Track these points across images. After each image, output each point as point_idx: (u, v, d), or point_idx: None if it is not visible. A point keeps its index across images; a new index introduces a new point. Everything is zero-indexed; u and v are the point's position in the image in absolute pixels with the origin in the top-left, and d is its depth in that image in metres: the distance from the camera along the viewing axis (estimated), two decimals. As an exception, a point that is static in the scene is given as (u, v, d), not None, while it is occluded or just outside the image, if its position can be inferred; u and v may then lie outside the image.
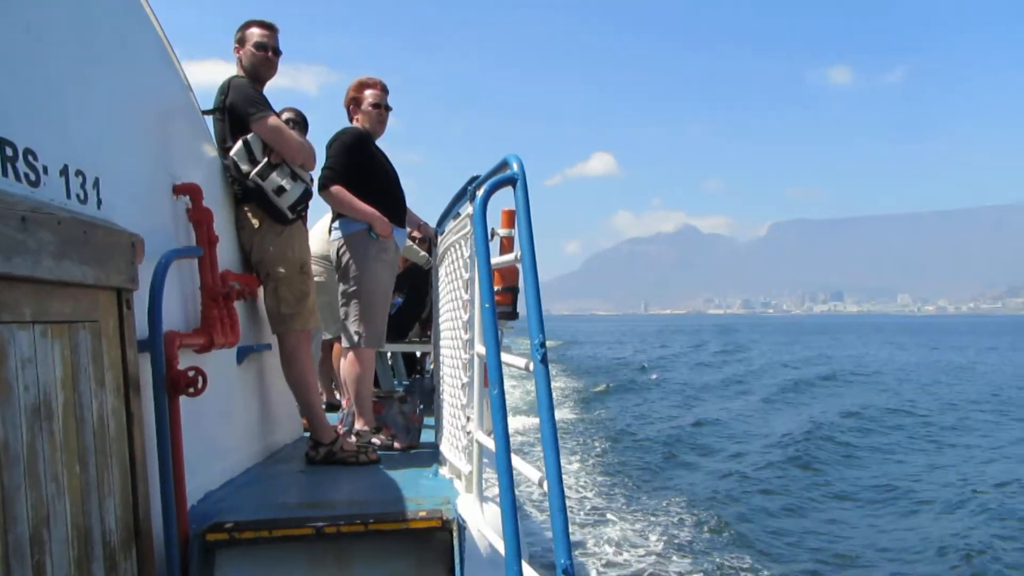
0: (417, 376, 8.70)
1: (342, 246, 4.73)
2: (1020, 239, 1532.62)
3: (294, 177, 4.13)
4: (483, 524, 3.23)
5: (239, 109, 4.07)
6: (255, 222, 4.16)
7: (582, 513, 13.27)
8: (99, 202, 2.53)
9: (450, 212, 4.60)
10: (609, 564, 10.31)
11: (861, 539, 11.78)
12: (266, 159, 4.07)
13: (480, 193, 2.80)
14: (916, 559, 10.65)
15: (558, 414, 25.24)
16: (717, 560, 10.66)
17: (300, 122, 5.53)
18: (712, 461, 18.76)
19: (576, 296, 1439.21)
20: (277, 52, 4.34)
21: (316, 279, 6.05)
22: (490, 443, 2.90)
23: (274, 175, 4.06)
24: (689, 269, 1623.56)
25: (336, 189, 4.63)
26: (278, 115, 4.24)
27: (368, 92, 4.97)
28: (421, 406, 5.34)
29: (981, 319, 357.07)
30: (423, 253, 6.24)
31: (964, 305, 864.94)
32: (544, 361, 2.44)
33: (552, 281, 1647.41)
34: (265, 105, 4.13)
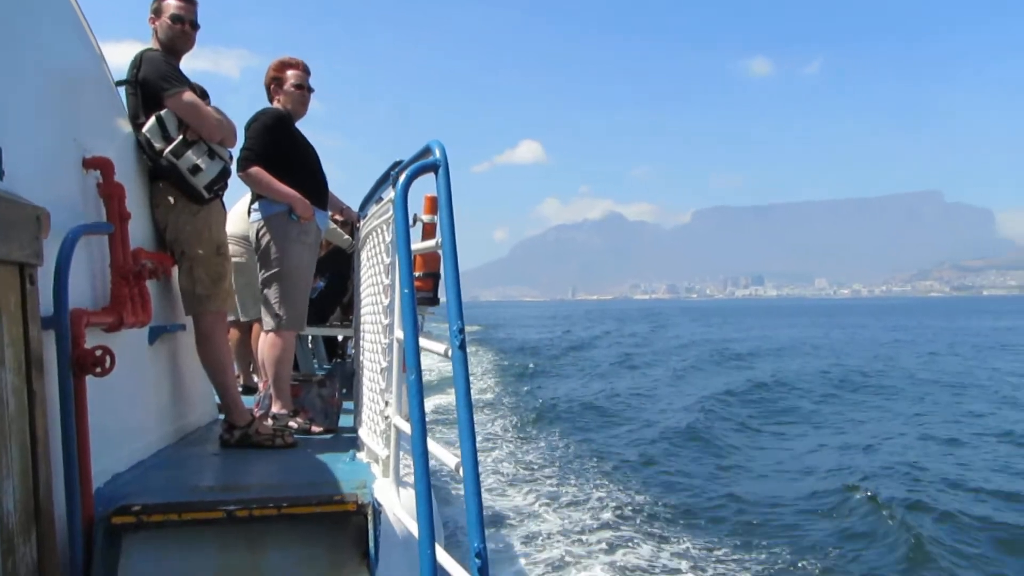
0: (339, 360, 8.62)
1: (262, 227, 4.65)
2: (929, 226, 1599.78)
3: (211, 155, 4.00)
4: (399, 508, 3.23)
5: (152, 84, 3.92)
6: (170, 200, 4.02)
7: (502, 494, 13.13)
8: (1, 173, 2.43)
9: (372, 196, 4.56)
10: (528, 542, 10.34)
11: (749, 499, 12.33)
12: (181, 136, 3.92)
13: (402, 178, 2.79)
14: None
15: (484, 393, 25.75)
16: (628, 534, 10.89)
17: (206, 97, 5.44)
18: (627, 432, 19.11)
19: (504, 283, 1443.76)
20: (195, 25, 4.18)
21: (236, 260, 5.92)
22: (408, 428, 2.91)
23: (189, 153, 3.92)
24: (615, 255, 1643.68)
25: (255, 170, 4.55)
26: (194, 90, 4.09)
27: (291, 72, 4.90)
28: (344, 390, 5.30)
29: (890, 301, 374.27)
30: (347, 236, 6.18)
31: (877, 288, 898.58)
32: (463, 347, 2.45)
33: (480, 268, 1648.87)
34: (180, 80, 3.98)
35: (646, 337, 61.23)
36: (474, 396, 26.21)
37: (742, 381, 26.87)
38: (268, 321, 4.67)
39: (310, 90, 4.98)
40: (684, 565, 9.71)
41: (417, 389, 2.54)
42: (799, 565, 9.45)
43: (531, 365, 37.76)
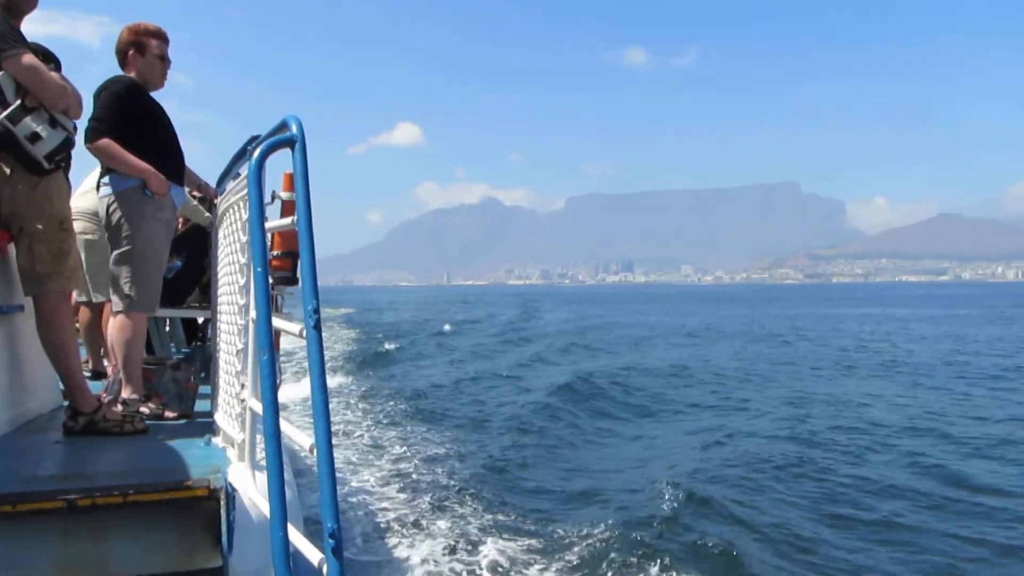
0: (198, 344, 8.30)
1: (112, 203, 4.39)
2: (786, 215, 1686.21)
3: (53, 124, 3.69)
4: (255, 492, 3.15)
5: (-13, 44, 3.57)
6: (6, 170, 3.72)
7: (360, 475, 13.07)
8: None
9: (230, 172, 4.40)
10: (387, 530, 10.37)
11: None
12: (20, 102, 3.61)
13: (256, 153, 2.72)
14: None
15: (347, 377, 25.53)
16: (471, 516, 11.10)
17: (54, 61, 5.11)
18: (488, 416, 19.49)
19: (379, 267, 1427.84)
20: None
21: (86, 237, 5.59)
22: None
23: (28, 120, 3.61)
24: (491, 241, 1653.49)
25: (105, 142, 4.27)
26: (36, 54, 3.77)
27: (154, 42, 4.61)
28: (203, 373, 5.11)
29: (750, 287, 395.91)
30: (207, 214, 5.94)
31: (738, 275, 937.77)
32: (317, 327, 2.42)
33: (355, 252, 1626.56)
34: (19, 41, 3.65)
35: (512, 323, 62.93)
36: (336, 380, 25.68)
37: (592, 369, 27.57)
38: (118, 302, 4.43)
39: (169, 62, 4.73)
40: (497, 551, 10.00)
41: (270, 370, 2.50)
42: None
43: (392, 347, 38.08)
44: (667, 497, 12.22)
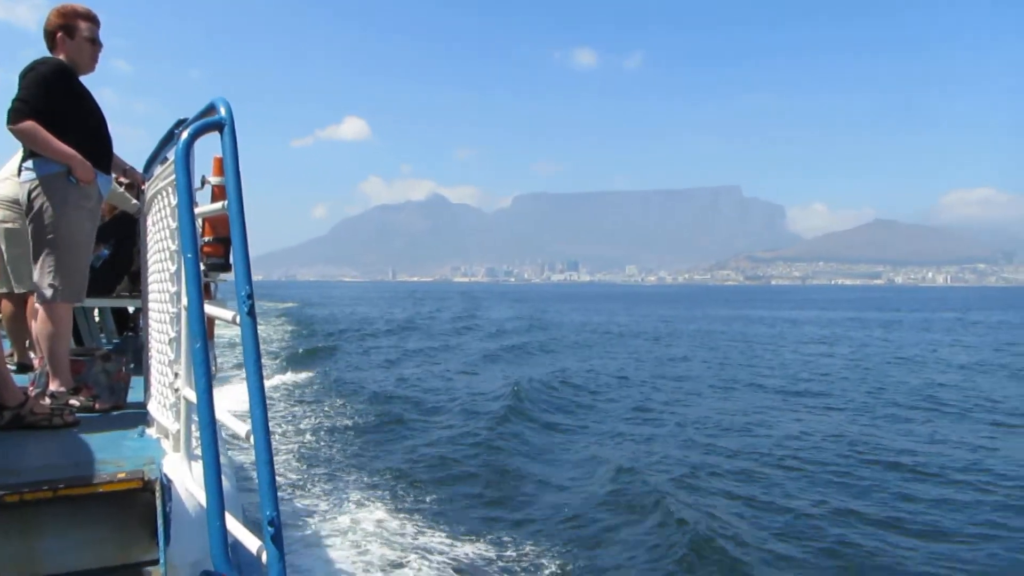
0: (130, 333, 8.11)
1: (35, 189, 4.24)
2: (727, 218, 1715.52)
3: None
4: (191, 482, 3.09)
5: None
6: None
7: (297, 468, 13.24)
8: None
9: (157, 156, 4.32)
10: (323, 520, 10.44)
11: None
12: None
13: (183, 137, 2.68)
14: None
15: (284, 375, 25.26)
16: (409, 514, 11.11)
17: None
18: (428, 419, 19.34)
19: (323, 262, 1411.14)
20: None
21: (6, 226, 5.39)
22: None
23: None
24: (437, 238, 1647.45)
25: (29, 125, 4.12)
26: None
27: (85, 25, 4.47)
28: (132, 364, 5.00)
29: (691, 288, 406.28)
30: (135, 201, 5.79)
31: (680, 276, 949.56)
32: (251, 313, 2.39)
33: (299, 246, 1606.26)
34: None
35: (459, 320, 63.47)
36: (275, 379, 25.34)
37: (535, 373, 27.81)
38: (42, 293, 4.29)
39: (100, 45, 4.59)
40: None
41: (203, 357, 2.47)
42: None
43: (330, 344, 38.05)
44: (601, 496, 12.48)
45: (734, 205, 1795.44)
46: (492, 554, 9.55)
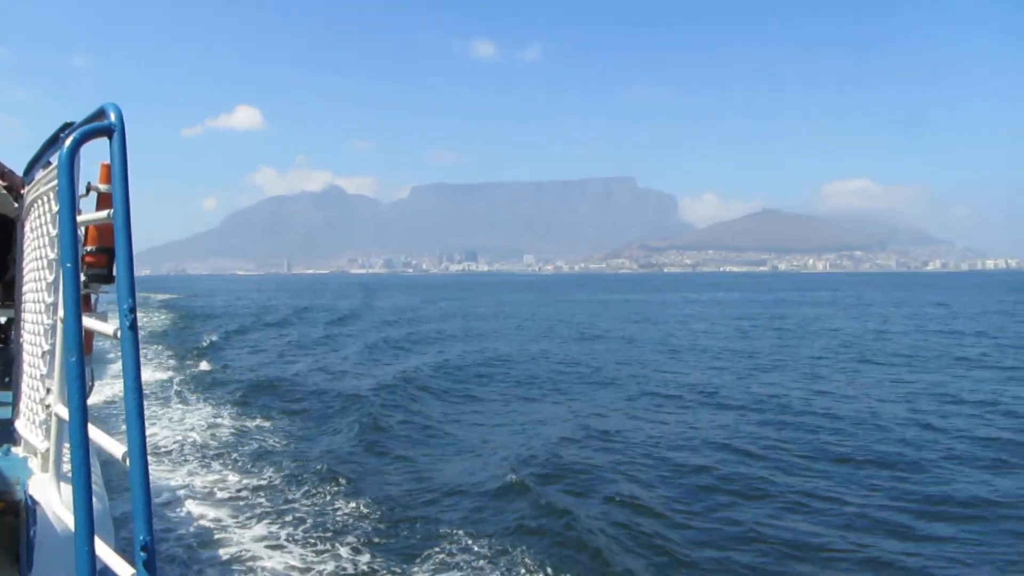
0: (0, 346, 7.64)
1: None
2: (621, 208, 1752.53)
3: None
4: (59, 505, 2.93)
5: None
6: None
7: (182, 480, 12.89)
8: None
9: (39, 160, 4.06)
10: (207, 540, 10.14)
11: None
12: None
13: (68, 142, 2.56)
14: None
15: (165, 373, 24.60)
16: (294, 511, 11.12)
17: None
18: (318, 406, 19.96)
19: (215, 255, 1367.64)
20: None
21: None
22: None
23: None
24: (334, 229, 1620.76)
25: None
26: None
27: None
28: (6, 378, 4.72)
29: (585, 276, 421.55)
30: (16, 204, 5.46)
31: (577, 265, 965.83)
32: (133, 327, 2.30)
33: (189, 239, 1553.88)
34: None
35: (352, 312, 63.59)
36: (155, 375, 24.72)
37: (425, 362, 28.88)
38: (-97, 300, 3.99)
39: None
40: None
41: (78, 372, 2.34)
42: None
43: (216, 338, 37.32)
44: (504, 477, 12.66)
45: (628, 195, 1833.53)
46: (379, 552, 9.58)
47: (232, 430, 16.98)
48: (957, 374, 25.46)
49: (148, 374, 23.92)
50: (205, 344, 35.18)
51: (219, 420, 17.97)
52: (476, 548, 9.57)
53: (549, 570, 8.93)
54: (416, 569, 9.05)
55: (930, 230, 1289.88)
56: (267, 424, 17.72)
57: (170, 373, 25.61)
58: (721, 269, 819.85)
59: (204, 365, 27.29)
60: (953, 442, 15.64)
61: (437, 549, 9.60)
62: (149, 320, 46.91)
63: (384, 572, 8.99)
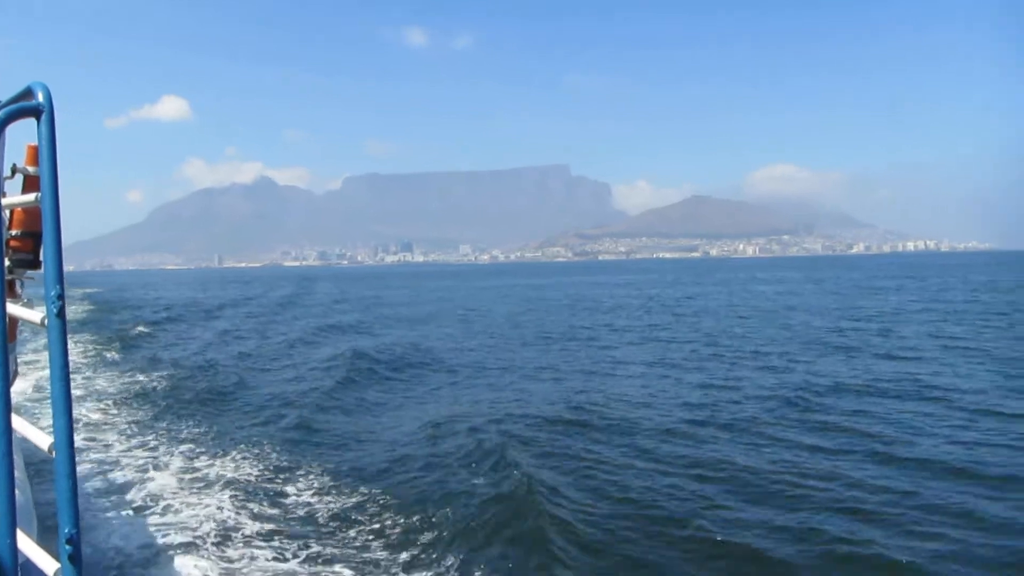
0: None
1: None
2: (556, 197, 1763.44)
3: None
4: None
5: None
6: None
7: (113, 472, 12.66)
8: None
9: (-37, 141, 3.89)
10: (141, 532, 9.97)
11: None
12: None
13: None
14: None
15: (94, 372, 24.06)
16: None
17: None
18: (258, 395, 19.83)
19: (142, 250, 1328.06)
20: None
21: None
22: None
23: None
24: (266, 221, 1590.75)
25: None
26: None
27: None
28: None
29: (522, 265, 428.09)
30: None
31: (513, 254, 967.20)
32: (61, 315, 2.26)
33: (114, 234, 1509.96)
34: None
35: (282, 304, 63.06)
36: (85, 372, 24.33)
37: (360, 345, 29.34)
38: None
39: None
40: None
41: (1, 360, 2.29)
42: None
43: (145, 330, 37.01)
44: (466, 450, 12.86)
45: (562, 184, 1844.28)
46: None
47: (163, 420, 16.73)
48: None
49: (74, 360, 23.45)
50: (132, 334, 34.80)
51: (148, 410, 17.70)
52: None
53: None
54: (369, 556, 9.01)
55: (855, 213, 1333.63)
56: (199, 411, 17.54)
57: (94, 363, 25.05)
58: (654, 256, 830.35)
59: (133, 359, 26.69)
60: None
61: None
62: (72, 311, 45.88)
63: (330, 560, 8.92)
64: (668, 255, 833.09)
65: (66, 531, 2.09)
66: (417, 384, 21.33)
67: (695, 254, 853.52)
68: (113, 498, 11.27)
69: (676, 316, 43.77)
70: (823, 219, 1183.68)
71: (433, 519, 10.00)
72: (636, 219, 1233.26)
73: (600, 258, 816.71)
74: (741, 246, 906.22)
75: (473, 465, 12.40)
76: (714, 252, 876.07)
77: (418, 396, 19.45)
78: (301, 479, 12.31)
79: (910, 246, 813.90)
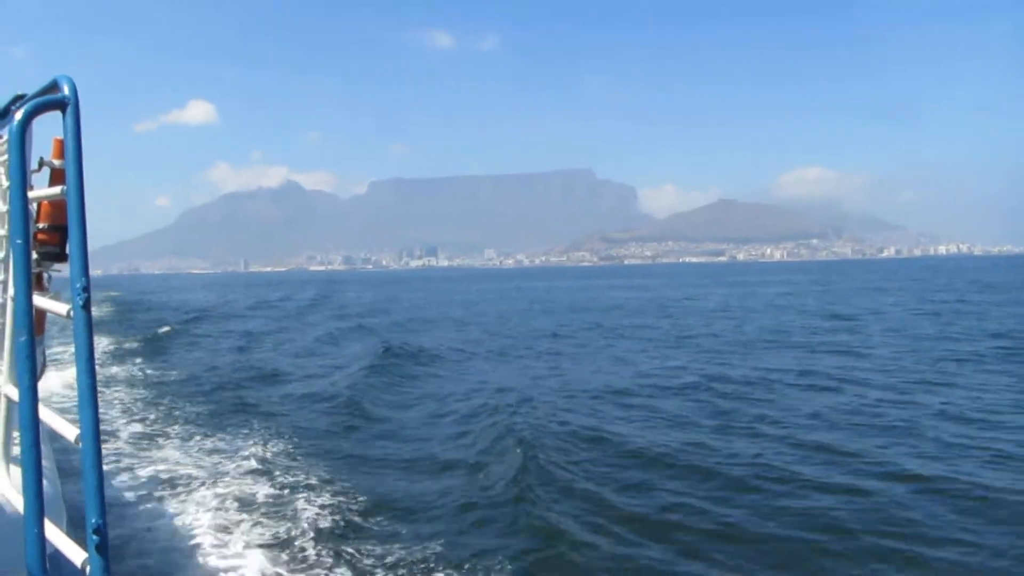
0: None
1: None
2: (581, 200, 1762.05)
3: None
4: (8, 488, 2.89)
5: None
6: None
7: (139, 470, 12.58)
8: None
9: (-11, 133, 3.95)
10: (167, 527, 9.94)
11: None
12: None
13: (19, 115, 2.50)
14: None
15: (122, 366, 24.41)
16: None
17: None
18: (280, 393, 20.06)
19: (170, 254, 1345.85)
20: None
21: None
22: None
23: None
24: (291, 226, 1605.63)
25: None
26: None
27: None
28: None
29: (547, 269, 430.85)
30: None
31: (537, 259, 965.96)
32: (87, 307, 2.26)
33: (142, 238, 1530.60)
34: None
35: (310, 306, 64.08)
36: (111, 369, 24.63)
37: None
38: None
39: None
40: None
41: (28, 352, 2.30)
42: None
43: (167, 330, 37.51)
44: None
45: (587, 187, 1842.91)
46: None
47: (191, 417, 16.80)
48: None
49: (100, 360, 23.83)
50: (161, 332, 35.51)
51: (179, 407, 17.79)
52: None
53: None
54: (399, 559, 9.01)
55: (883, 215, 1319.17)
56: (229, 411, 17.56)
57: (122, 362, 25.34)
58: (680, 260, 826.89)
59: (154, 354, 27.05)
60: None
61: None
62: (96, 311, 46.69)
63: (362, 562, 8.91)
64: (694, 259, 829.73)
65: (93, 521, 2.09)
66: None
67: (722, 258, 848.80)
68: (140, 490, 11.40)
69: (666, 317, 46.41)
70: (851, 222, 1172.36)
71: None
72: (662, 223, 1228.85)
73: (626, 262, 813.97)
74: (768, 250, 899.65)
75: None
76: (741, 256, 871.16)
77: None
78: (329, 473, 12.36)
79: (942, 249, 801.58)
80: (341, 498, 11.03)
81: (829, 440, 13.96)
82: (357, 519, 10.20)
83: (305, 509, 10.52)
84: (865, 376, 21.10)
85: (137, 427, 15.71)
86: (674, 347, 29.39)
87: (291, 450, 13.73)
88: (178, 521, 10.00)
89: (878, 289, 72.93)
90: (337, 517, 10.20)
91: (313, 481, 11.86)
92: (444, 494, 11.19)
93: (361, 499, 10.97)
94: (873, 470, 12.12)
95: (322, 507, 10.57)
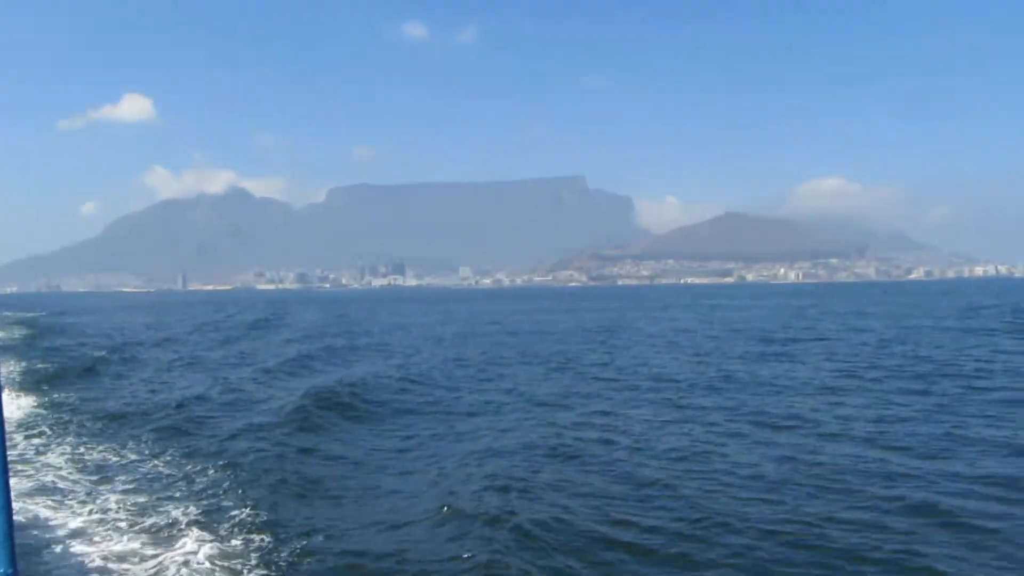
0: None
1: None
2: (570, 212, 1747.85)
3: None
4: None
5: None
6: None
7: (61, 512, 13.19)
8: None
9: None
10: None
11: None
12: None
13: None
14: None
15: (41, 398, 24.77)
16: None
17: None
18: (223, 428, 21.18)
19: (96, 269, 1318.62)
20: None
21: None
22: None
23: None
24: (238, 238, 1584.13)
25: None
26: None
27: None
28: None
29: (527, 289, 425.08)
30: None
31: (519, 278, 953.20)
32: None
33: (63, 250, 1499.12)
34: None
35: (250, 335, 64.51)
36: (27, 400, 25.12)
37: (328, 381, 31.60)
38: None
39: None
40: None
41: None
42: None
43: (99, 355, 36.94)
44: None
45: (577, 198, 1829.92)
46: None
47: (110, 457, 17.16)
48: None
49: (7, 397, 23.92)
50: (85, 372, 35.10)
51: (92, 447, 18.08)
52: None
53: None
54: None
55: (912, 234, 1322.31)
56: (150, 449, 17.95)
57: (30, 397, 25.78)
58: (682, 281, 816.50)
59: (79, 395, 27.49)
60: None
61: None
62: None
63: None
64: (698, 280, 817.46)
65: (2, 571, 2.15)
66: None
67: (729, 279, 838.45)
68: (51, 533, 11.84)
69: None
70: (875, 239, 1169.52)
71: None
72: (661, 238, 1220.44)
73: (619, 283, 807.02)
74: (782, 270, 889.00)
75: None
76: (751, 277, 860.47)
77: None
78: (248, 507, 13.57)
79: (978, 271, 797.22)
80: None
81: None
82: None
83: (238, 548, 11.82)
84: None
85: (49, 466, 16.24)
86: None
87: (215, 488, 14.63)
88: (89, 566, 10.75)
89: (859, 313, 78.29)
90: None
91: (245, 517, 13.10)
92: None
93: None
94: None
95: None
